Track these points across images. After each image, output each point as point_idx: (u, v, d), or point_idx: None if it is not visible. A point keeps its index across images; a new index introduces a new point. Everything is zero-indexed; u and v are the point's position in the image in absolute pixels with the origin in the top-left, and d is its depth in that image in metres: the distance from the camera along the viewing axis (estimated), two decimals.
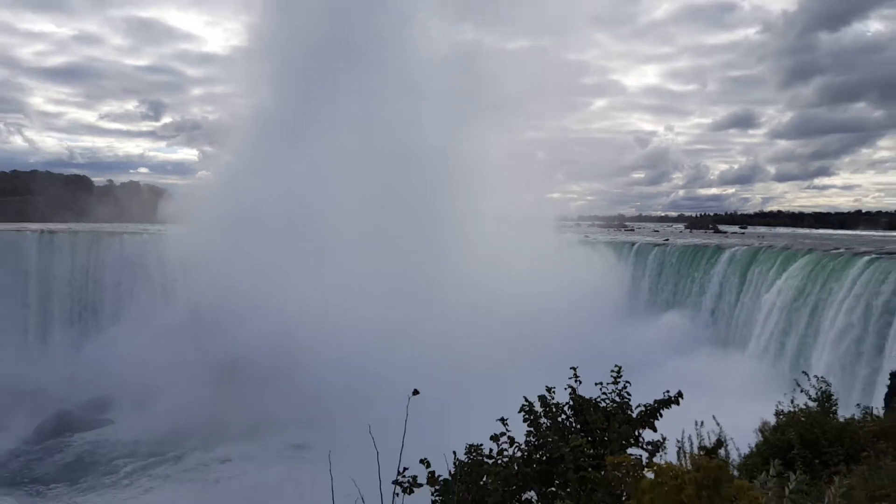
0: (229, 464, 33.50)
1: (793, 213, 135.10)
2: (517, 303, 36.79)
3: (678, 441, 7.26)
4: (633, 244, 47.51)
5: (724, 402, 12.09)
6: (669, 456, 6.32)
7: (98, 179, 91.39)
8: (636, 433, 6.25)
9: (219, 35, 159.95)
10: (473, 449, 6.24)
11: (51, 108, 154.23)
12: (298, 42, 50.29)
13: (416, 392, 4.52)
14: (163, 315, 41.74)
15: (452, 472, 6.10)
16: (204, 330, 39.02)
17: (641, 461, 5.60)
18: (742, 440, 8.19)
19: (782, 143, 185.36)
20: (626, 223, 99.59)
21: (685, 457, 7.02)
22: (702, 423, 7.67)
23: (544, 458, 6.01)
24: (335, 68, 48.79)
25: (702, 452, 6.75)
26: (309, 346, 35.35)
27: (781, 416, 9.07)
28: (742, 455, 8.21)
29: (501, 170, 53.03)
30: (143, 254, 46.34)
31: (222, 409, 35.95)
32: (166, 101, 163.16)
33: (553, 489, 6.00)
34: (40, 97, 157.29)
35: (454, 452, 6.22)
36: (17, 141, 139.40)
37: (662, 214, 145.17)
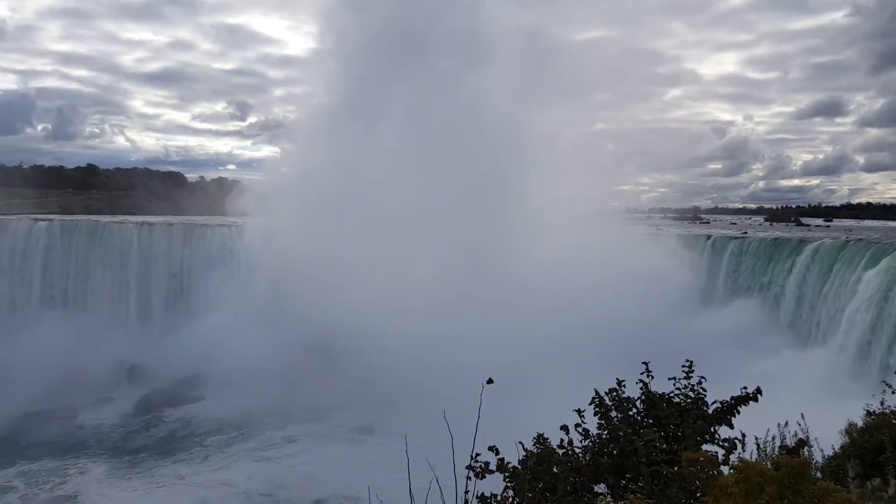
0: (298, 442, 35.08)
1: (884, 205, 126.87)
2: (585, 294, 36.41)
3: (756, 439, 7.11)
4: (708, 237, 45.91)
5: (802, 400, 11.61)
6: (746, 454, 6.21)
7: (191, 176, 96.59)
8: (711, 430, 6.17)
9: (298, 38, 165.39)
10: (542, 439, 6.30)
11: (149, 110, 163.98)
12: (367, 38, 51.30)
13: (490, 381, 4.62)
14: (248, 300, 43.65)
15: (522, 460, 6.18)
16: (285, 314, 40.62)
17: (717, 458, 5.54)
18: (823, 441, 7.90)
19: (872, 132, 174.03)
20: (702, 216, 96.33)
21: (765, 455, 6.87)
22: (785, 423, 7.46)
23: (616, 451, 6.02)
24: (404, 60, 49.44)
25: (783, 452, 6.59)
26: (378, 329, 36.23)
27: (871, 417, 8.69)
28: (825, 456, 7.93)
29: (570, 161, 52.37)
30: (230, 244, 48.71)
31: (298, 390, 37.64)
32: (251, 101, 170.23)
33: (624, 482, 6.00)
34: (140, 100, 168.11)
35: (520, 443, 6.30)
36: (121, 141, 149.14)
37: (740, 207, 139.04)
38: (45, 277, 51.05)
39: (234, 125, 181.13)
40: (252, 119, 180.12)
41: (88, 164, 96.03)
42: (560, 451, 6.05)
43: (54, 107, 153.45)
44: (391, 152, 46.02)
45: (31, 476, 32.29)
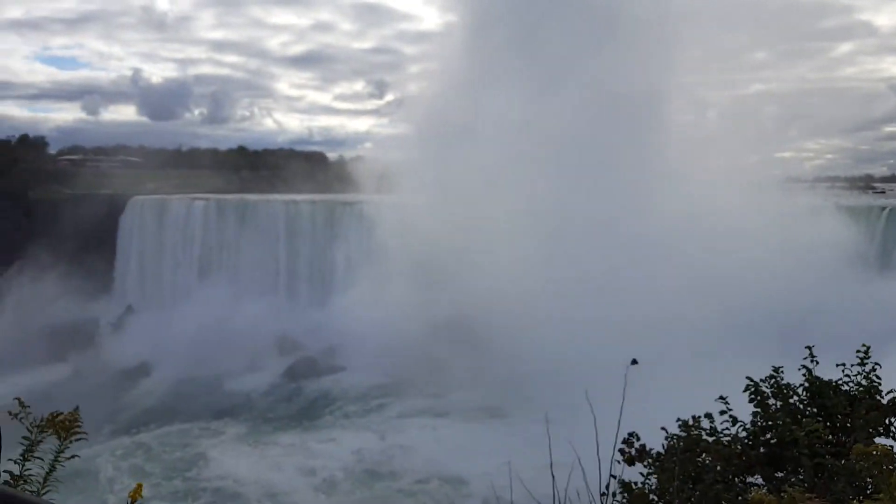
0: (425, 418, 36.07)
1: None
2: (738, 272, 34.18)
3: None
4: (883, 208, 41.37)
5: None
6: None
7: (332, 155, 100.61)
8: (886, 421, 5.56)
9: (433, 13, 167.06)
10: (688, 426, 5.99)
11: (293, 92, 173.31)
12: (500, 8, 50.70)
13: (634, 362, 4.39)
14: (387, 276, 45.02)
15: (666, 447, 5.91)
16: (421, 291, 41.86)
17: (893, 452, 4.97)
18: None
19: None
20: (875, 185, 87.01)
21: None
22: None
23: (773, 440, 5.57)
24: (538, 30, 48.41)
25: None
26: (514, 309, 36.18)
27: None
28: None
29: (722, 128, 49.12)
30: (370, 221, 50.19)
31: (431, 366, 38.61)
32: (388, 79, 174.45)
33: (782, 474, 5.56)
34: (285, 83, 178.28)
35: (664, 429, 6.02)
36: (268, 123, 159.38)
37: None
38: (201, 253, 55.67)
39: (371, 104, 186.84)
40: (389, 97, 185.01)
41: (239, 146, 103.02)
42: (709, 440, 5.69)
43: (209, 92, 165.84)
44: (524, 125, 45.45)
45: (169, 437, 35.42)
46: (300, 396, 41.47)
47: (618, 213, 39.01)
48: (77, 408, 3.36)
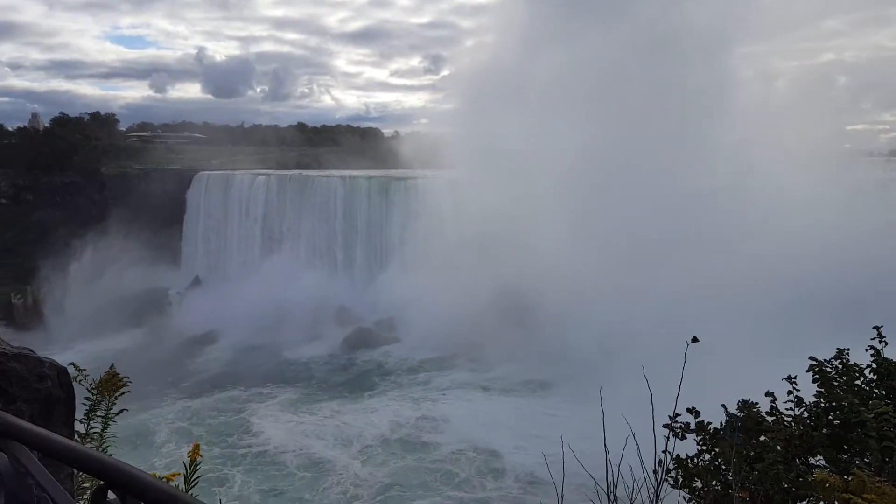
0: (470, 390, 36.46)
1: None
2: (802, 249, 32.84)
3: None
4: None
5: None
6: None
7: (387, 131, 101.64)
8: None
9: None
10: (748, 404, 5.83)
11: (351, 68, 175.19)
12: None
13: (695, 339, 4.26)
14: (441, 250, 45.54)
15: (725, 424, 5.79)
16: (474, 265, 41.97)
17: None
18: None
19: None
20: None
21: None
22: None
23: (836, 422, 5.36)
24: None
25: None
26: (566, 284, 35.87)
27: None
28: None
29: (791, 99, 46.94)
30: (424, 196, 50.90)
31: (482, 340, 39.11)
32: (444, 54, 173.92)
33: (846, 457, 5.36)
34: (343, 59, 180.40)
35: (724, 406, 5.88)
36: (327, 100, 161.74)
37: None
38: (264, 227, 57.22)
39: (427, 79, 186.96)
40: (445, 72, 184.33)
41: (299, 123, 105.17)
42: (770, 419, 5.52)
43: (270, 70, 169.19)
44: (582, 98, 44.56)
45: (223, 402, 36.75)
46: (354, 366, 42.67)
47: (674, 185, 38.06)
48: (112, 365, 3.53)
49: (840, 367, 5.63)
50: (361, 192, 54.14)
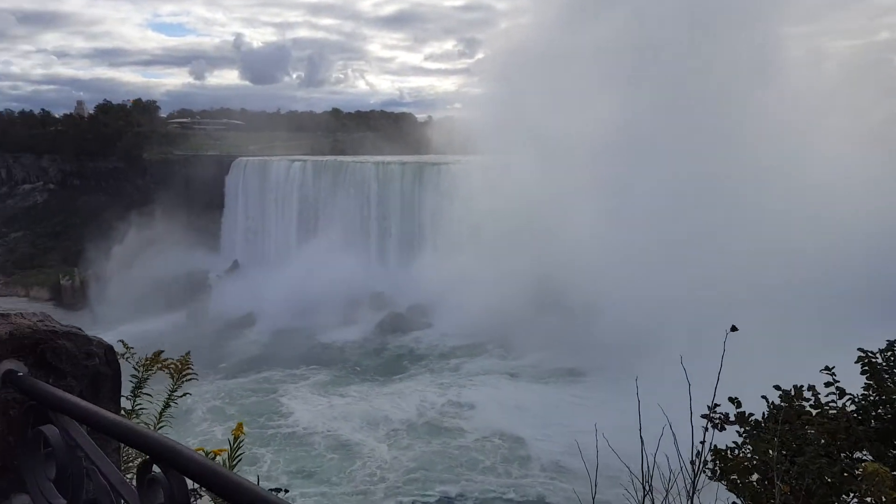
0: (499, 376, 36.69)
1: None
2: (844, 237, 31.81)
3: None
4: None
5: None
6: None
7: (420, 116, 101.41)
8: None
9: None
10: (789, 396, 5.67)
11: (385, 53, 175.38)
12: None
13: (733, 328, 4.16)
14: (474, 236, 45.65)
15: (766, 415, 5.66)
16: (507, 252, 41.83)
17: None
18: None
19: None
20: None
21: None
22: None
23: (887, 416, 5.20)
24: None
25: None
26: (601, 273, 35.41)
27: None
28: None
29: (844, 80, 45.16)
30: (458, 181, 50.67)
31: (515, 326, 39.08)
32: (479, 37, 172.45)
33: (894, 452, 5.20)
34: (378, 44, 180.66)
35: (764, 397, 5.74)
36: (361, 85, 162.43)
37: None
38: (299, 212, 57.82)
39: (461, 63, 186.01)
40: (479, 55, 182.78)
41: (333, 108, 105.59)
42: (814, 411, 5.38)
43: (305, 56, 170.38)
44: (618, 79, 43.72)
45: (257, 383, 37.59)
46: (386, 351, 43.26)
47: (712, 170, 37.02)
48: (188, 353, 3.63)
49: (891, 359, 5.44)
50: (395, 178, 54.31)
